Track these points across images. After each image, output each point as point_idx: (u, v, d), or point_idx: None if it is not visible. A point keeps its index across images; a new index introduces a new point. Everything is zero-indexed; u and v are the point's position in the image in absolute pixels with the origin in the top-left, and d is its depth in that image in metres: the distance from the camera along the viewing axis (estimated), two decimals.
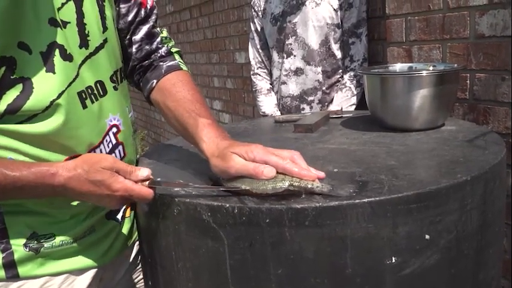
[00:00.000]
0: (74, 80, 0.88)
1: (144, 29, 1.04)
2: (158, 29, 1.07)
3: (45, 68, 0.84)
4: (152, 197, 0.82)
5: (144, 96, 1.07)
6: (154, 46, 1.06)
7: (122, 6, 1.01)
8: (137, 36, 1.04)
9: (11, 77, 0.81)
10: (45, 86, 0.84)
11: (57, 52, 0.85)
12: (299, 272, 0.73)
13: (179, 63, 1.06)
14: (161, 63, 1.05)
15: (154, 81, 1.03)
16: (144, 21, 1.04)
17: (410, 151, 0.97)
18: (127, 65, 1.06)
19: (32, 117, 0.84)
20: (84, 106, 0.90)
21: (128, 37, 1.03)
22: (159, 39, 1.06)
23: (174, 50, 1.09)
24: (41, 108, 0.83)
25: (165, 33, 1.09)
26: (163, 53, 1.06)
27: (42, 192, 0.82)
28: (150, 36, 1.05)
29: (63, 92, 0.86)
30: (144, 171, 0.82)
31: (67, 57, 0.87)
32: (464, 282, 0.82)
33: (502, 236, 0.99)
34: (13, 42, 0.80)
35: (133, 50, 1.04)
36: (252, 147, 0.80)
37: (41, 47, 0.83)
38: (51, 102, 0.84)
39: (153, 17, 1.05)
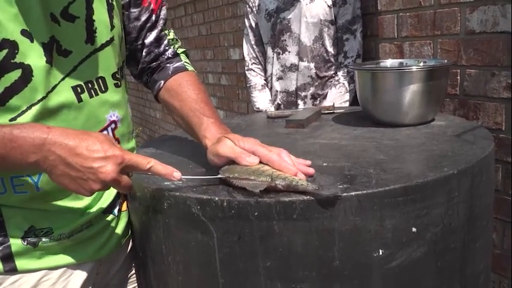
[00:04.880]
0: (67, 74, 0.89)
1: (154, 34, 1.08)
2: (166, 31, 1.11)
3: (45, 59, 0.85)
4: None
5: (153, 96, 1.11)
6: (161, 49, 1.09)
7: (132, 10, 1.04)
8: (147, 41, 1.08)
9: (12, 61, 0.82)
10: (44, 76, 0.85)
11: (55, 46, 0.87)
12: (287, 264, 0.73)
13: (185, 64, 1.10)
14: (168, 65, 1.08)
15: (162, 81, 1.06)
16: (153, 26, 1.07)
17: (399, 146, 0.97)
18: (136, 67, 1.10)
19: (26, 110, 0.85)
20: (80, 100, 0.91)
21: (140, 42, 1.07)
22: (166, 41, 1.10)
23: (180, 51, 1.12)
24: (36, 98, 0.85)
25: (171, 35, 1.12)
26: (169, 55, 1.10)
27: (30, 147, 0.76)
28: (158, 39, 1.09)
29: (56, 85, 0.88)
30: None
31: (62, 52, 0.89)
32: (451, 275, 0.82)
33: (491, 230, 1.00)
34: (17, 29, 0.82)
35: (143, 53, 1.08)
36: (244, 138, 0.84)
37: (43, 38, 0.85)
38: (47, 94, 0.86)
39: (161, 22, 1.09)
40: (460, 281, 0.84)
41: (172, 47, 1.11)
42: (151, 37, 1.07)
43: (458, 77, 1.60)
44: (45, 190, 0.89)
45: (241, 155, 0.80)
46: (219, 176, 0.81)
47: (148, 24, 1.06)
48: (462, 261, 0.83)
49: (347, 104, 2.01)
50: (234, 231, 0.74)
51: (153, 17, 1.06)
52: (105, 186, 0.79)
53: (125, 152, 0.79)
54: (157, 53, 1.09)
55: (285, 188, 0.73)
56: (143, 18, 1.05)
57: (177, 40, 1.13)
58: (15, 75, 0.83)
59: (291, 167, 0.78)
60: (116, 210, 1.02)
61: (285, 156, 0.80)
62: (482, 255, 0.90)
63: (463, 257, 0.83)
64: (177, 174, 0.79)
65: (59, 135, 0.77)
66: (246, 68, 2.28)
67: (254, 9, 2.19)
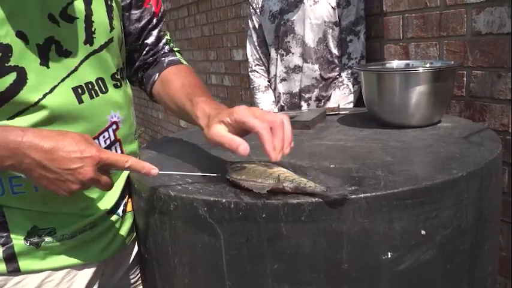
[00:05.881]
0: (68, 75, 0.89)
1: (154, 35, 1.10)
2: (163, 31, 1.13)
3: (39, 61, 0.85)
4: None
5: (146, 93, 1.11)
6: (160, 47, 1.12)
7: (133, 12, 1.05)
8: (148, 41, 1.09)
9: (6, 65, 0.82)
10: (39, 78, 0.85)
11: (53, 47, 0.87)
12: (295, 267, 0.73)
13: (180, 59, 1.12)
14: (163, 59, 1.10)
15: (157, 74, 1.08)
16: (154, 28, 1.09)
17: (406, 147, 0.97)
18: (131, 67, 1.11)
19: (23, 111, 0.84)
20: (80, 101, 0.90)
21: (140, 42, 1.08)
22: (164, 40, 1.13)
23: (175, 49, 1.15)
24: (33, 100, 0.84)
25: (168, 36, 1.15)
26: (166, 51, 1.12)
27: (5, 152, 0.77)
28: (158, 39, 1.11)
29: (55, 86, 0.87)
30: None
31: (62, 53, 0.88)
32: (460, 278, 0.82)
33: (498, 232, 0.99)
34: (12, 30, 0.82)
35: (144, 52, 1.10)
36: (234, 109, 0.79)
37: (38, 39, 0.85)
38: (44, 95, 0.85)
39: (161, 23, 1.11)
40: (468, 283, 0.84)
41: (168, 45, 1.13)
42: (152, 38, 1.09)
43: (465, 79, 1.59)
44: (44, 190, 0.89)
45: (232, 145, 0.76)
46: (200, 173, 0.82)
47: (149, 26, 1.07)
48: (471, 264, 0.83)
49: (351, 105, 2.00)
50: (242, 233, 0.73)
51: (155, 20, 1.08)
52: (84, 186, 0.80)
53: (101, 151, 0.80)
54: (155, 50, 1.11)
55: (293, 190, 0.73)
56: (145, 20, 1.06)
57: (171, 40, 1.16)
58: (10, 78, 0.82)
59: (271, 152, 0.73)
60: (120, 211, 1.01)
61: (279, 128, 0.75)
62: (490, 258, 0.90)
63: (471, 259, 0.83)
64: (154, 171, 0.80)
65: (34, 138, 0.77)
66: (249, 69, 2.28)
67: (258, 10, 2.18)
